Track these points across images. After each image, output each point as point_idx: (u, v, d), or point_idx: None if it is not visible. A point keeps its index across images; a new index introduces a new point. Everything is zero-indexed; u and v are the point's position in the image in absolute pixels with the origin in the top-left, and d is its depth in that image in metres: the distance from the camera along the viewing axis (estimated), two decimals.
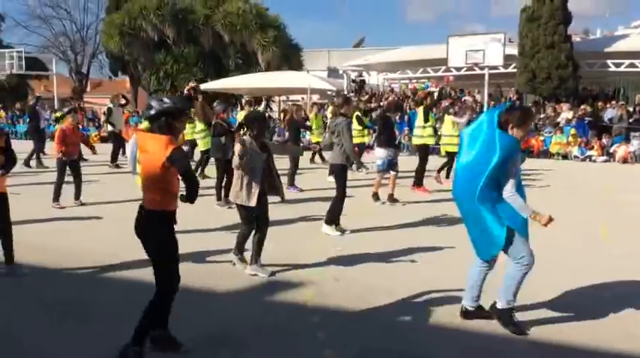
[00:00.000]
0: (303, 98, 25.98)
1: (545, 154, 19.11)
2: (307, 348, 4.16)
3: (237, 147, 5.42)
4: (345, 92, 27.51)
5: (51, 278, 5.77)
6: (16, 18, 46.26)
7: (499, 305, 4.43)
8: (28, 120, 16.76)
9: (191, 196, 3.79)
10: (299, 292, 5.33)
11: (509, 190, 4.14)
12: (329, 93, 26.47)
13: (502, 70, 24.01)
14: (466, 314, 4.60)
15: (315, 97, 27.93)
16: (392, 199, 9.74)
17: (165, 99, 3.87)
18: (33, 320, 4.63)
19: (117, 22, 32.12)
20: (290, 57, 32.45)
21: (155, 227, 3.78)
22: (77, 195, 9.58)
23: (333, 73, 35.31)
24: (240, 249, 5.93)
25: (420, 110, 11.68)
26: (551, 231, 7.83)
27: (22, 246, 5.95)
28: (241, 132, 5.82)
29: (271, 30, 31.26)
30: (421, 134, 11.44)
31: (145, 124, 6.05)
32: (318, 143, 15.37)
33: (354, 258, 6.44)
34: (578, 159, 18.36)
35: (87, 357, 3.99)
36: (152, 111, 3.80)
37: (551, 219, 4.11)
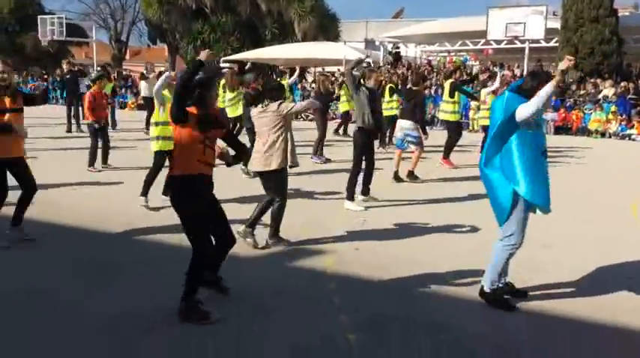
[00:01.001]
0: (339, 69, 25.83)
1: (584, 131, 18.68)
2: (322, 312, 4.27)
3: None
4: (381, 64, 27.28)
5: (83, 238, 6.00)
6: None
7: (485, 288, 4.41)
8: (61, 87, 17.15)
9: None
10: (319, 259, 5.44)
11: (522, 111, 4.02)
12: (364, 65, 26.20)
13: (544, 44, 23.40)
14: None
15: None
16: (411, 176, 9.58)
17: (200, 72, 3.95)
18: (66, 278, 4.86)
19: None
20: (327, 27, 32.16)
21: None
22: (105, 160, 9.84)
23: (370, 44, 34.94)
24: (255, 222, 5.80)
25: (447, 84, 11.35)
26: (581, 204, 7.78)
27: (54, 206, 6.17)
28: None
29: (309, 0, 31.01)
30: (444, 109, 11.28)
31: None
32: (347, 112, 15.36)
33: (377, 229, 6.51)
34: (618, 137, 17.89)
35: (116, 312, 4.16)
36: (180, 82, 3.90)
37: (569, 61, 4.14)
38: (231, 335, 3.89)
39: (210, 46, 31.68)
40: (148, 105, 15.94)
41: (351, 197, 7.49)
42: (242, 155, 4.62)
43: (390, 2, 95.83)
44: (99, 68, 18.28)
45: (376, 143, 9.69)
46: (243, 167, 9.11)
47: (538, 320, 4.22)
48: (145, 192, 7.08)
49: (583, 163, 12.35)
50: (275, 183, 5.63)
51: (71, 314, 4.16)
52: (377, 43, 31.69)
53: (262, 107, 5.57)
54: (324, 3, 32.86)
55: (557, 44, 22.94)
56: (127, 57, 50.31)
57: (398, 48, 30.74)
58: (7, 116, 5.41)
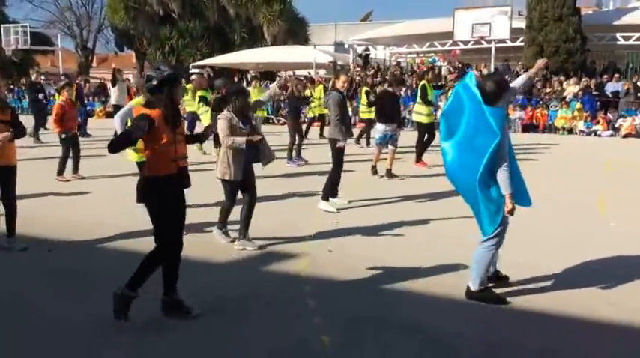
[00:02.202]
0: (309, 73, 25.88)
1: (550, 129, 19.02)
2: (296, 315, 4.26)
3: (220, 125, 5.47)
4: (351, 66, 27.40)
5: (53, 249, 5.89)
6: None
7: (473, 288, 4.45)
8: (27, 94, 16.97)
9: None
10: (293, 262, 5.43)
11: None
12: (333, 65, 26.32)
13: (510, 44, 23.75)
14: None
15: (322, 72, 27.80)
16: (390, 174, 9.72)
17: (162, 67, 3.99)
18: (40, 288, 4.77)
19: None
20: (296, 31, 32.28)
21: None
22: (75, 169, 9.71)
23: (340, 47, 35.07)
24: (223, 222, 5.98)
25: (422, 84, 11.35)
26: (548, 203, 7.92)
27: (24, 218, 6.05)
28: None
29: (277, 3, 31.04)
30: (418, 111, 11.28)
31: (138, 100, 5.95)
32: (322, 116, 15.43)
33: (350, 230, 6.52)
34: (584, 133, 18.26)
35: (91, 318, 4.14)
36: (154, 82, 3.90)
37: (511, 212, 4.12)
38: (206, 340, 3.86)
39: (178, 51, 31.52)
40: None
41: (326, 197, 7.52)
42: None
43: (358, 5, 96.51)
44: (62, 77, 17.95)
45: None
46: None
47: (515, 316, 4.28)
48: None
49: (550, 160, 12.57)
50: (229, 189, 5.75)
51: (42, 319, 4.08)
52: (346, 46, 31.83)
53: (222, 114, 5.59)
54: (293, 7, 32.94)
55: (522, 44, 23.33)
56: (94, 64, 49.61)
57: (367, 51, 30.91)
58: None
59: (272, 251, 5.75)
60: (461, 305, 4.44)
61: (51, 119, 9.70)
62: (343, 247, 5.92)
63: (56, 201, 8.17)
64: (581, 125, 18.50)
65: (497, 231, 4.26)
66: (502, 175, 4.09)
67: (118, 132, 6.76)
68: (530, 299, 4.53)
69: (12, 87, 31.30)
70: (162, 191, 3.96)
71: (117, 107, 15.74)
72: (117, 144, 3.90)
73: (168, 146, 3.93)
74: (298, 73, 28.32)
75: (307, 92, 16.78)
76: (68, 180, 9.40)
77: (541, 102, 20.14)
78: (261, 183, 6.08)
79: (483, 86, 4.14)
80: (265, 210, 5.98)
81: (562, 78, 21.22)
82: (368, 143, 13.73)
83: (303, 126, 13.94)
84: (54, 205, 7.87)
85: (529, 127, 19.29)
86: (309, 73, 26.13)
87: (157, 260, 4.06)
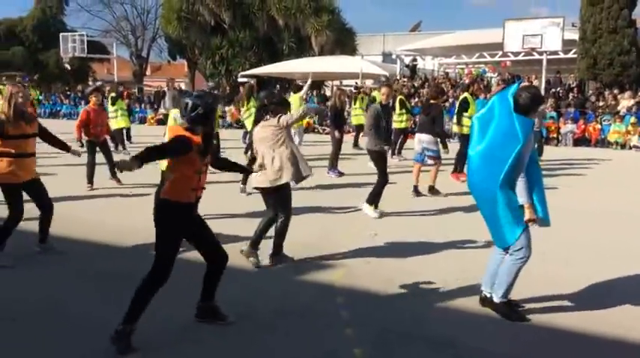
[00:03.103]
0: (356, 83, 25.92)
1: (603, 143, 18.46)
2: (328, 327, 4.25)
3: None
4: (398, 77, 27.31)
5: (94, 253, 6.06)
6: (79, 2, 47.60)
7: (496, 300, 4.40)
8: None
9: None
10: (328, 273, 5.43)
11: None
12: (382, 78, 26.29)
13: (562, 56, 23.24)
14: (485, 301, 4.56)
15: (369, 82, 27.79)
16: (433, 191, 9.52)
17: (206, 96, 3.93)
18: (81, 292, 4.92)
19: (175, 6, 32.79)
20: (344, 41, 32.33)
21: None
22: (113, 174, 9.88)
23: (387, 57, 35.03)
24: (259, 240, 5.65)
25: (463, 97, 11.19)
26: (594, 218, 7.68)
27: (68, 222, 6.25)
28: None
29: (325, 14, 31.18)
30: (459, 122, 11.13)
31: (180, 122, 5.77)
32: (359, 126, 15.44)
33: (388, 242, 6.49)
34: (638, 149, 17.64)
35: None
36: (200, 111, 3.81)
37: (531, 220, 4.10)
38: (237, 348, 3.89)
39: (228, 60, 32.08)
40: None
41: (370, 201, 7.68)
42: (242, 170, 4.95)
43: (407, 16, 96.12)
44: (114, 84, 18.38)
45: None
46: (241, 186, 9.07)
47: (548, 335, 4.17)
48: None
49: (600, 174, 12.18)
50: (279, 199, 5.53)
51: (81, 322, 4.21)
52: (393, 56, 31.76)
53: (263, 122, 5.60)
54: (341, 17, 33.06)
55: (575, 55, 22.79)
56: (148, 73, 51.00)
57: (415, 61, 30.77)
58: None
59: (307, 262, 5.75)
60: (493, 322, 4.34)
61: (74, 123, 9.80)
62: (380, 258, 5.88)
63: (96, 204, 8.41)
64: (635, 140, 17.89)
65: (522, 242, 4.18)
66: (520, 185, 4.09)
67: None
68: (566, 316, 4.41)
69: (68, 93, 32.55)
70: (176, 217, 3.89)
71: (167, 115, 16.14)
72: (147, 157, 3.61)
73: (194, 174, 3.87)
74: (345, 83, 28.45)
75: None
76: (93, 189, 9.42)
77: (594, 115, 19.59)
78: (300, 192, 6.09)
79: (518, 96, 4.13)
80: (301, 220, 5.99)
81: (616, 91, 20.61)
82: (393, 153, 13.58)
83: (346, 136, 13.93)
84: (97, 209, 8.10)
85: (581, 141, 18.78)
86: (356, 83, 26.16)
87: (152, 288, 3.83)
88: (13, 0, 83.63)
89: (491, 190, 4.14)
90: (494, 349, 3.95)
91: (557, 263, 5.74)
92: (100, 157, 9.61)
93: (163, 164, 6.90)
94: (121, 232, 6.70)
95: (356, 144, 15.62)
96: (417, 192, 9.30)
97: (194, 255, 4.27)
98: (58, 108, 30.51)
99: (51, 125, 6.00)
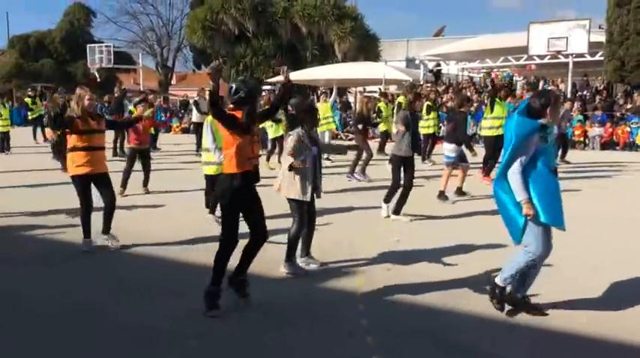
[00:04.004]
0: (380, 89, 25.91)
1: (631, 146, 18.12)
2: (349, 334, 4.24)
3: (289, 142, 5.51)
4: (421, 82, 27.20)
5: (119, 258, 6.18)
6: (106, 14, 48.48)
7: (497, 280, 4.52)
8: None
9: None
10: (350, 279, 5.42)
11: (513, 169, 4.20)
12: (404, 83, 26.23)
13: (589, 59, 22.90)
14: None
15: (393, 88, 27.72)
16: (460, 192, 9.53)
17: (247, 81, 4.81)
18: (113, 295, 5.00)
19: (200, 16, 33.19)
20: (367, 47, 32.32)
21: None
22: (145, 183, 10.00)
23: (411, 63, 34.91)
24: (292, 254, 5.59)
25: (490, 101, 11.20)
26: (623, 223, 7.55)
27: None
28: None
29: (348, 21, 31.23)
30: (485, 125, 11.24)
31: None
32: (386, 132, 15.45)
33: (411, 248, 6.45)
34: None
35: (165, 322, 4.30)
36: (242, 94, 4.55)
37: (528, 215, 4.16)
38: (256, 353, 3.91)
39: (252, 68, 32.32)
40: (197, 130, 16.31)
41: (396, 212, 7.81)
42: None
43: (431, 21, 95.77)
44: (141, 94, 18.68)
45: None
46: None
47: (567, 342, 4.11)
48: (212, 211, 7.61)
49: (626, 178, 11.95)
50: (291, 207, 5.59)
51: (114, 323, 4.28)
52: (417, 62, 31.66)
53: (289, 132, 5.64)
54: (364, 24, 33.06)
55: (602, 58, 22.44)
56: (174, 82, 51.62)
57: (439, 66, 30.61)
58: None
59: (329, 267, 5.76)
60: (514, 329, 4.30)
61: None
62: (402, 265, 5.85)
63: (130, 213, 8.52)
64: None
65: (528, 237, 4.24)
66: (514, 183, 4.20)
67: (210, 143, 7.23)
68: (587, 323, 4.34)
69: (96, 104, 32.97)
70: (238, 187, 4.49)
71: (198, 125, 16.25)
72: (216, 105, 4.44)
73: (246, 146, 4.53)
74: (369, 89, 28.44)
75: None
76: (125, 195, 9.58)
77: (622, 118, 19.26)
78: (324, 196, 6.07)
79: (531, 100, 4.27)
80: (324, 226, 5.99)
81: None
82: (423, 159, 13.68)
83: (371, 142, 13.93)
84: (126, 217, 8.21)
85: (608, 145, 18.47)
86: (380, 89, 26.12)
87: (223, 254, 4.54)
88: (43, 13, 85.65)
89: (495, 190, 4.41)
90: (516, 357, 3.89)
91: (585, 268, 5.65)
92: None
93: (208, 169, 7.43)
94: (140, 238, 6.80)
95: (381, 150, 15.60)
96: (443, 196, 9.27)
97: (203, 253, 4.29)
98: None
99: None
